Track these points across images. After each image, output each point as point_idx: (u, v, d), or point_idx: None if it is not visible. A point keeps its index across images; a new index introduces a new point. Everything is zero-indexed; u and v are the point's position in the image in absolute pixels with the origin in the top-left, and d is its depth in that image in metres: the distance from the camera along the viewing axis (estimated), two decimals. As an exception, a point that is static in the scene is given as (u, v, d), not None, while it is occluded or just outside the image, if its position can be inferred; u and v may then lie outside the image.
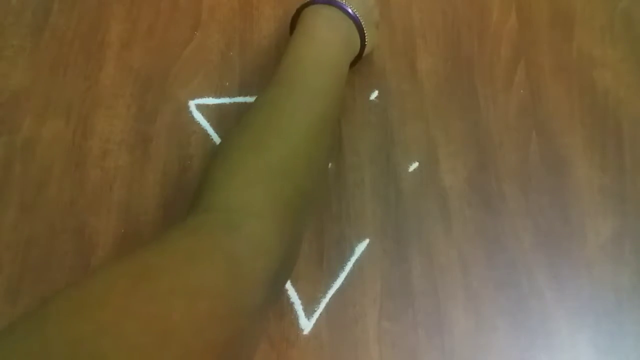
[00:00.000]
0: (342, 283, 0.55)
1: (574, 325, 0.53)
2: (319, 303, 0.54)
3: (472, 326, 0.53)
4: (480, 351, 0.51)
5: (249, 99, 0.63)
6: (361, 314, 0.54)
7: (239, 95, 0.64)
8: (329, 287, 0.55)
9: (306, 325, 0.53)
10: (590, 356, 0.52)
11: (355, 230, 0.57)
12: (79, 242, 0.57)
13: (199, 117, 0.62)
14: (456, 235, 0.56)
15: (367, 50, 0.58)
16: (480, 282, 0.54)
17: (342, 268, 0.55)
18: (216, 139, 0.61)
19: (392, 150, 0.60)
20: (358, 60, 0.58)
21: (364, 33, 0.55)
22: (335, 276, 0.55)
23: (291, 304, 0.54)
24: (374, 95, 0.63)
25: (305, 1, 0.55)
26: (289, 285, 0.55)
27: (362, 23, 0.54)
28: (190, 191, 0.59)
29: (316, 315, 0.54)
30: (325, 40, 0.51)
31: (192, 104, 0.63)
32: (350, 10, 0.53)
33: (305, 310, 0.54)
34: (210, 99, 0.63)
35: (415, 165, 0.60)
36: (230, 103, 0.63)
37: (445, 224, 0.57)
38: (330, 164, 0.60)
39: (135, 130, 0.62)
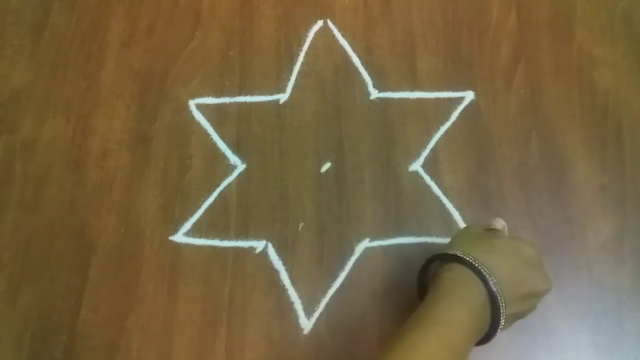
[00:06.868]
0: (342, 283, 0.55)
1: (574, 325, 0.53)
2: (319, 303, 0.54)
3: (472, 326, 0.53)
4: (480, 351, 0.51)
5: (249, 99, 0.63)
6: (361, 313, 0.54)
7: (239, 95, 0.63)
8: (329, 286, 0.55)
9: (306, 324, 0.53)
10: (590, 356, 0.52)
11: (355, 230, 0.57)
12: (79, 242, 0.57)
13: (199, 116, 0.62)
14: (456, 235, 0.56)
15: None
16: (480, 282, 0.54)
17: (342, 268, 0.55)
18: (216, 138, 0.61)
19: (392, 150, 0.60)
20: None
21: (499, 320, 0.43)
22: (335, 276, 0.55)
23: (291, 304, 0.54)
24: (374, 95, 0.63)
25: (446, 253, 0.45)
26: (288, 285, 0.55)
27: (502, 317, 0.43)
28: (190, 191, 0.59)
29: (316, 315, 0.54)
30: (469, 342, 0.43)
31: (192, 104, 0.63)
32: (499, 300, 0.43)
33: (305, 310, 0.54)
34: (210, 98, 0.63)
35: (415, 165, 0.60)
36: (230, 103, 0.63)
37: (445, 223, 0.57)
38: (329, 164, 0.60)
39: (135, 130, 0.62)
